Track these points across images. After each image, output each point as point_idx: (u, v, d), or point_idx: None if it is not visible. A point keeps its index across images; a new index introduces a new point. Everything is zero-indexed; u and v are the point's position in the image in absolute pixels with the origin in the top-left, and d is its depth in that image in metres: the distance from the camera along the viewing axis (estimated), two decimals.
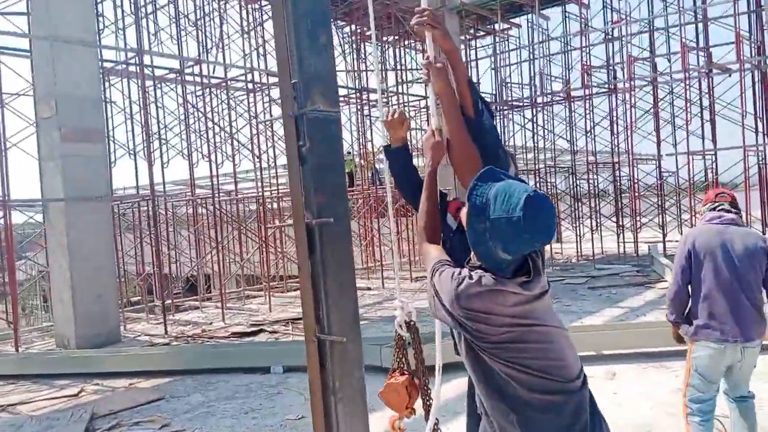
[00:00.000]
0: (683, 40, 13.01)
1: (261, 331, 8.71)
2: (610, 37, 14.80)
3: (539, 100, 15.90)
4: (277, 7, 2.91)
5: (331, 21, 3.08)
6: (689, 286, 3.43)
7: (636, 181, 13.77)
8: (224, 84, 11.85)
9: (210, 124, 11.66)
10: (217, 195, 11.15)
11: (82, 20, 8.58)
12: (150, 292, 13.69)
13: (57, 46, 8.20)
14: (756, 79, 12.99)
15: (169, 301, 10.46)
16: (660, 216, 13.82)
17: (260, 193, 12.07)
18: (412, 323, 2.59)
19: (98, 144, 8.64)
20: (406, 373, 2.51)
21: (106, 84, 10.44)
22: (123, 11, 10.82)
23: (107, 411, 5.49)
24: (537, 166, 16.04)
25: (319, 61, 2.80)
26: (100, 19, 10.24)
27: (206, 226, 12.55)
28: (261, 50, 12.43)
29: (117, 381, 6.53)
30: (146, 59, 10.02)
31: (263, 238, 12.05)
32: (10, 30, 8.95)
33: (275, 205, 13.96)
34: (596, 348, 5.98)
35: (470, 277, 1.75)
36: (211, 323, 9.63)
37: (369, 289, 12.36)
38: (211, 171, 11.07)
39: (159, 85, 11.09)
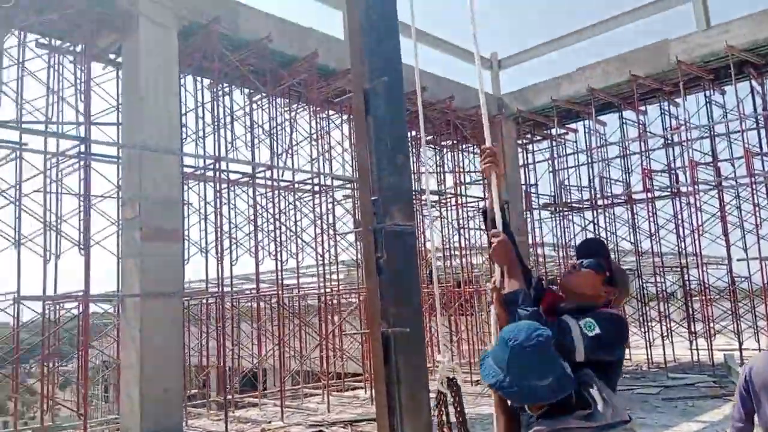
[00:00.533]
0: (746, 145, 12.94)
1: None
2: (669, 142, 14.87)
3: (600, 202, 15.88)
4: (359, 131, 3.20)
5: (408, 142, 3.32)
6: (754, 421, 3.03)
7: (706, 285, 13.26)
8: (292, 186, 12.48)
9: (277, 224, 12.18)
10: (280, 291, 11.44)
11: (168, 131, 9.40)
12: (205, 385, 13.81)
13: (144, 153, 8.97)
14: None
15: (230, 397, 10.52)
16: (734, 323, 13.14)
17: (322, 290, 12.31)
18: (453, 380, 2.62)
19: (175, 243, 9.16)
20: (447, 431, 2.53)
21: (185, 187, 11.18)
22: (204, 122, 11.79)
23: None
24: None
25: (397, 179, 3.03)
26: (183, 129, 11.15)
27: (268, 322, 12.78)
28: (327, 155, 13.11)
29: None
30: (222, 164, 10.75)
31: (324, 336, 12.13)
32: (101, 138, 9.90)
33: (335, 301, 14.12)
34: None
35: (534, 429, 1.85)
36: (270, 422, 9.59)
37: (428, 391, 12.06)
38: (276, 268, 11.45)
39: (232, 188, 11.79)
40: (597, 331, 2.25)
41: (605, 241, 3.33)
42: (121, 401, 9.08)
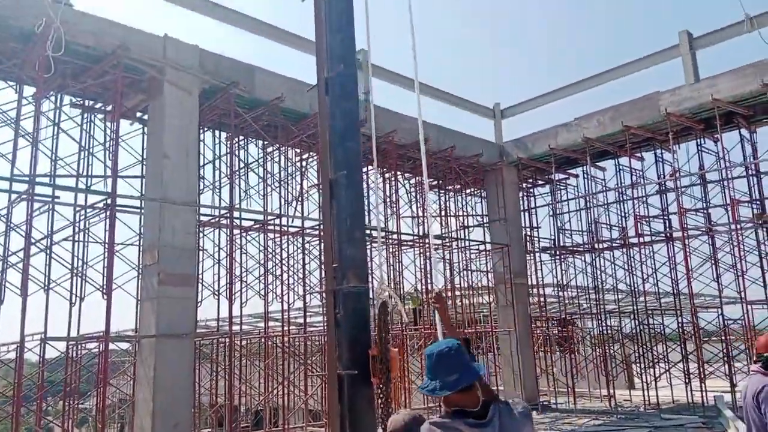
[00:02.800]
0: (732, 192, 13.54)
1: None
2: (663, 188, 15.50)
3: (597, 245, 16.47)
4: (325, 212, 4.00)
5: (365, 221, 4.10)
6: None
7: (698, 328, 13.69)
8: (301, 232, 13.31)
9: (285, 268, 12.99)
10: (287, 332, 12.15)
11: (187, 185, 10.33)
12: (220, 424, 14.45)
13: (164, 205, 9.88)
14: None
15: None
16: (726, 365, 13.50)
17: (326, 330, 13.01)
18: (385, 303, 3.50)
19: (190, 288, 9.98)
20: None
21: (200, 234, 12.06)
22: (220, 172, 12.76)
23: None
24: (599, 309, 16.25)
25: (354, 251, 3.81)
26: (201, 180, 12.09)
27: (275, 362, 13.45)
28: None
29: None
30: (236, 213, 11.64)
31: (327, 374, 12.76)
32: (126, 189, 10.85)
33: None
34: None
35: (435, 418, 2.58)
36: None
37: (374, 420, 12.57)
38: (282, 309, 12.21)
39: (244, 234, 12.67)
40: None
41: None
42: None
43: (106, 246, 9.83)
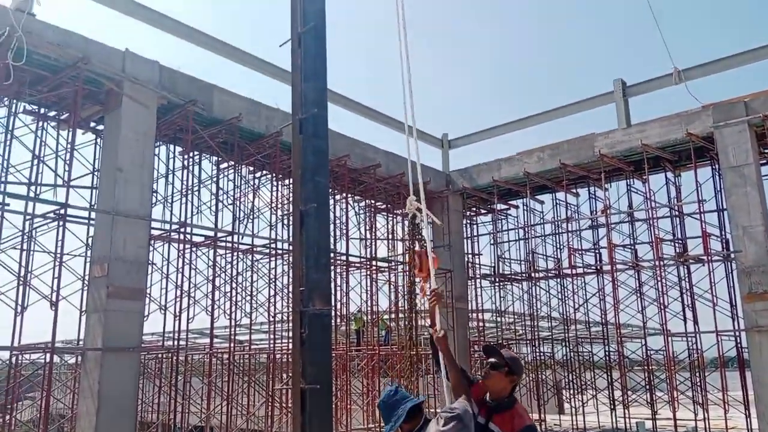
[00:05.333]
0: (656, 231, 14.65)
1: None
2: (595, 224, 16.56)
3: (533, 275, 17.35)
4: (295, 239, 4.38)
5: (331, 249, 4.51)
6: None
7: (623, 356, 14.64)
8: (251, 250, 13.50)
9: (233, 284, 13.13)
10: (232, 350, 12.26)
11: (139, 197, 10.42)
12: None
13: (116, 218, 9.94)
14: (728, 271, 14.26)
15: None
16: (648, 393, 14.47)
17: (271, 347, 13.16)
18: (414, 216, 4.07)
19: (139, 302, 10.03)
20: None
21: (150, 248, 12.07)
22: (173, 187, 12.84)
23: None
24: (534, 336, 17.09)
25: (320, 275, 4.21)
26: (154, 194, 12.15)
27: (219, 378, 13.49)
28: (285, 221, 14.23)
29: None
30: (187, 228, 11.75)
31: (270, 393, 12.91)
32: (77, 200, 10.79)
33: (285, 359, 14.93)
34: None
35: None
36: None
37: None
38: (230, 325, 12.33)
39: (195, 250, 12.76)
40: None
41: (499, 343, 4.45)
42: None
43: (57, 256, 9.78)
